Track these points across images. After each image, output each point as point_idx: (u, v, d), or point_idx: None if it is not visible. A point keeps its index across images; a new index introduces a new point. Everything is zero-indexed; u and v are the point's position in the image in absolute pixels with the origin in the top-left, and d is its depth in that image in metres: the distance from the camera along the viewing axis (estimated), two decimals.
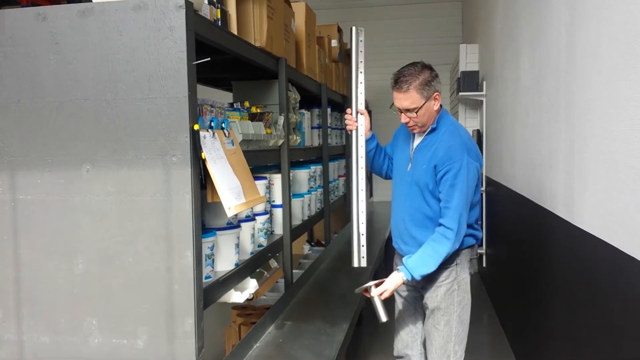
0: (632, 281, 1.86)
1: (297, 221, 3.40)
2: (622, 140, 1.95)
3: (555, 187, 2.84)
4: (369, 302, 2.48)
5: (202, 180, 1.89)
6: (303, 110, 3.71)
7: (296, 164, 3.75)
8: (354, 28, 2.36)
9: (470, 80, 5.96)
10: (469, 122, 6.51)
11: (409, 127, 2.51)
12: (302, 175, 3.64)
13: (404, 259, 2.45)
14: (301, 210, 3.50)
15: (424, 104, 2.41)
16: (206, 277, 2.06)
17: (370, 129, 2.66)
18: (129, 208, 1.85)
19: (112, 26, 1.83)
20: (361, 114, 2.55)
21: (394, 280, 2.43)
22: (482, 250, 5.92)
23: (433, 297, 2.54)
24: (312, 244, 5.34)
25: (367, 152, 2.63)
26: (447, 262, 2.45)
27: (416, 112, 2.42)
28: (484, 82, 5.80)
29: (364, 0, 8.75)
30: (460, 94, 6.00)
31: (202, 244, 1.94)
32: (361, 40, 2.38)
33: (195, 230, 1.83)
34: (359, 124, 2.53)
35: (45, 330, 1.92)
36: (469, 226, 2.50)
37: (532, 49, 3.45)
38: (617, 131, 1.99)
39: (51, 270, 1.91)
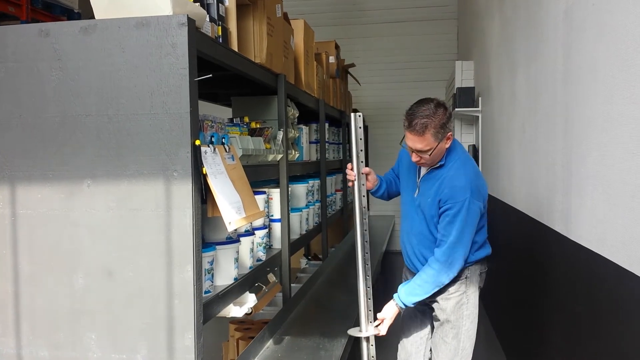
0: (630, 295, 1.87)
1: (295, 235, 3.40)
2: (619, 157, 1.97)
3: (552, 203, 2.86)
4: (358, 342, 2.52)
5: (203, 195, 1.90)
6: (301, 126, 3.74)
7: (294, 179, 3.77)
8: (352, 115, 2.36)
9: (466, 97, 6.01)
10: (465, 138, 6.55)
11: (418, 164, 2.52)
12: (300, 190, 3.65)
13: (399, 287, 2.51)
14: (299, 224, 3.51)
15: (437, 146, 2.40)
16: (206, 292, 2.06)
17: (377, 178, 2.70)
18: (130, 223, 1.86)
19: (114, 43, 1.85)
20: (365, 174, 2.50)
21: (390, 310, 2.50)
22: None
23: (442, 309, 2.57)
24: (309, 257, 5.33)
25: (380, 196, 2.80)
26: (457, 276, 2.50)
27: (429, 154, 2.42)
28: (480, 98, 5.85)
29: (361, 18, 8.83)
30: (456, 109, 6.04)
31: (202, 259, 1.94)
32: (360, 127, 2.39)
33: (196, 244, 1.84)
34: (362, 182, 2.47)
35: (45, 344, 1.92)
36: (480, 246, 2.60)
37: (528, 65, 3.49)
38: (614, 147, 2.02)
39: (51, 284, 1.91)
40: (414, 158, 2.47)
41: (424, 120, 2.35)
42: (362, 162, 2.43)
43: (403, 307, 2.49)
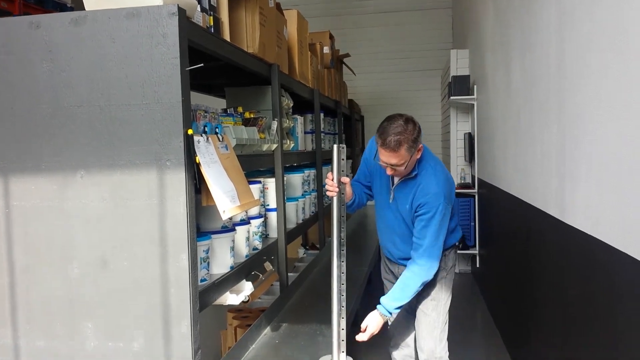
0: (625, 277, 1.89)
1: (291, 225, 3.41)
2: (612, 140, 1.98)
3: (547, 187, 2.88)
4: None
5: (197, 185, 1.91)
6: (296, 116, 3.74)
7: (290, 169, 3.77)
8: (335, 146, 2.40)
9: (461, 85, 6.01)
10: (460, 126, 6.56)
11: (393, 175, 2.61)
12: (296, 179, 3.65)
13: (381, 298, 2.61)
14: (295, 213, 3.51)
15: (410, 159, 2.51)
16: (202, 280, 2.07)
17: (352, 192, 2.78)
18: (124, 213, 1.87)
19: (105, 34, 1.85)
20: (344, 183, 2.51)
21: (374, 319, 2.59)
22: (475, 251, 5.97)
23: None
24: (307, 247, 5.35)
25: (352, 210, 2.89)
26: None
27: (403, 167, 2.52)
28: (475, 86, 5.85)
29: (355, 8, 8.80)
30: (452, 98, 6.05)
31: (197, 248, 1.95)
32: (343, 159, 2.45)
33: (190, 233, 1.85)
34: (341, 192, 2.49)
35: (41, 334, 1.93)
36: (452, 230, 2.78)
37: (522, 53, 3.49)
38: (607, 132, 2.03)
39: (46, 275, 1.92)
40: (389, 171, 2.58)
41: (397, 137, 2.44)
42: (342, 170, 2.47)
43: (388, 314, 2.58)
